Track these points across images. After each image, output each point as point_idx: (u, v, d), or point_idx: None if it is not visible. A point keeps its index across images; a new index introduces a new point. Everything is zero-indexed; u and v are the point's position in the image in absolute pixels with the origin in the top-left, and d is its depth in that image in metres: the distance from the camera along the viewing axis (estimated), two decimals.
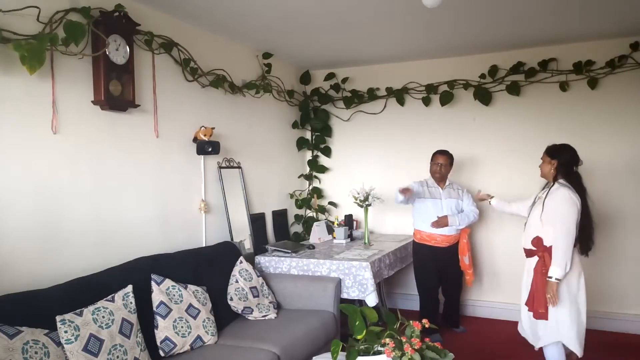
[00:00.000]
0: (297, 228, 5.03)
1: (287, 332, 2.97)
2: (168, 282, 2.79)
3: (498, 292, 4.62)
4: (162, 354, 2.61)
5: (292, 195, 4.99)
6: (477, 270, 4.64)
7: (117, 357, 2.23)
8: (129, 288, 2.51)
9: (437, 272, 4.09)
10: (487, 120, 4.62)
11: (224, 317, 3.09)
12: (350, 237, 4.62)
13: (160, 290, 2.72)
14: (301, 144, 5.17)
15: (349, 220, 4.76)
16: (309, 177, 5.26)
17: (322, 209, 5.13)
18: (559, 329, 2.98)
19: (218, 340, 2.85)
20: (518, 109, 4.50)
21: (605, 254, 4.19)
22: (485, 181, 4.58)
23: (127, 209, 3.04)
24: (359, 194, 4.27)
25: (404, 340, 1.99)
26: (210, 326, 2.83)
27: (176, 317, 2.69)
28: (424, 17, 3.52)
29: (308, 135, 5.29)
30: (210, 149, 3.54)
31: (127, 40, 2.91)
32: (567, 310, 2.96)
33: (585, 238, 3.00)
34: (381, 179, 4.84)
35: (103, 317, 2.27)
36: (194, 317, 2.77)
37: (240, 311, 3.19)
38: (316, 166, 5.21)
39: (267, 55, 4.40)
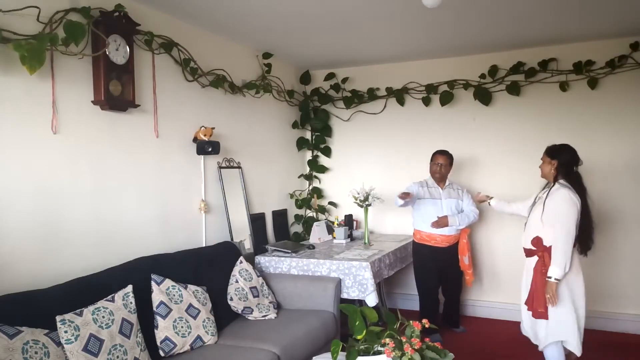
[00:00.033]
0: (297, 228, 5.03)
1: (287, 332, 2.97)
2: (168, 282, 2.79)
3: (498, 292, 4.62)
4: (162, 354, 2.61)
5: (292, 195, 4.99)
6: (477, 270, 4.65)
7: (117, 357, 2.23)
8: (129, 288, 2.51)
9: (437, 272, 4.09)
10: (487, 120, 4.62)
11: (224, 317, 3.09)
12: (350, 237, 4.62)
13: (160, 290, 2.73)
14: (301, 144, 5.17)
15: (349, 220, 4.76)
16: (309, 177, 5.26)
17: (322, 209, 5.13)
18: (560, 329, 2.98)
19: (218, 340, 2.85)
20: (518, 109, 4.50)
21: (605, 254, 4.19)
22: (485, 181, 4.59)
23: (127, 209, 3.04)
24: (359, 194, 4.27)
25: (404, 340, 1.99)
26: (210, 326, 2.83)
27: (176, 317, 2.70)
28: (424, 17, 3.53)
29: (308, 135, 5.29)
30: (210, 149, 3.54)
31: (127, 40, 2.91)
32: (568, 310, 2.96)
33: (585, 238, 3.00)
34: (381, 179, 4.85)
35: (103, 317, 2.27)
36: (194, 317, 2.77)
37: (240, 311, 3.19)
38: (316, 166, 5.21)
39: (267, 55, 4.40)
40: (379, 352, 2.05)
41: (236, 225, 3.96)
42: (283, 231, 4.74)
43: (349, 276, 3.59)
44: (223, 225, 3.88)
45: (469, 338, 4.15)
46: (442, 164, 4.08)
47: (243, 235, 4.04)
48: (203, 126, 3.61)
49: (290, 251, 3.92)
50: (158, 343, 2.61)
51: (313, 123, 5.14)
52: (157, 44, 3.27)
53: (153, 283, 2.73)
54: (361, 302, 3.63)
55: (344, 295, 3.59)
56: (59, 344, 2.08)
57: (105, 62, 2.77)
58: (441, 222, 3.98)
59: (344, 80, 5.06)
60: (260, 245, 4.17)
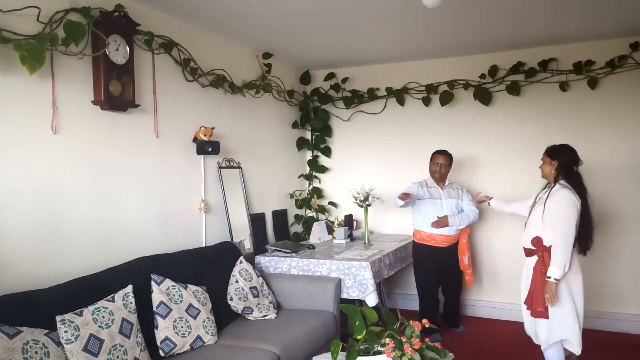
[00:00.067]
0: (297, 228, 5.03)
1: (287, 332, 2.97)
2: (168, 282, 2.79)
3: (498, 292, 4.62)
4: (162, 354, 2.61)
5: (292, 195, 4.99)
6: (477, 270, 4.65)
7: (117, 357, 2.23)
8: (129, 288, 2.51)
9: (437, 272, 4.09)
10: (487, 120, 4.62)
11: (224, 317, 3.09)
12: (350, 237, 4.62)
13: (160, 290, 2.73)
14: (301, 144, 5.17)
15: (349, 220, 4.76)
16: (309, 177, 5.26)
17: (322, 209, 5.13)
18: (561, 328, 2.99)
19: (218, 340, 2.85)
20: (518, 109, 4.50)
21: (605, 254, 4.19)
22: (485, 181, 4.59)
23: (127, 209, 3.04)
24: (359, 194, 4.27)
25: (404, 340, 1.99)
26: (210, 326, 2.83)
27: (176, 317, 2.70)
28: (424, 17, 3.53)
29: (308, 135, 5.29)
30: (210, 149, 3.54)
31: (127, 40, 2.91)
32: (568, 309, 2.97)
33: (584, 237, 3.01)
34: (381, 179, 4.85)
35: (103, 317, 2.27)
36: (194, 317, 2.77)
37: (240, 311, 3.19)
38: (316, 166, 5.21)
39: (267, 55, 4.40)
40: (379, 352, 2.05)
41: (236, 225, 3.96)
42: (283, 231, 4.74)
43: (349, 276, 3.59)
44: (223, 225, 3.88)
45: (469, 338, 4.15)
46: (442, 164, 4.08)
47: (243, 235, 4.04)
48: (203, 126, 3.61)
49: (290, 251, 3.92)
50: (158, 343, 2.61)
51: (313, 123, 5.14)
52: (157, 44, 3.27)
53: (153, 283, 2.73)
54: (361, 302, 3.63)
55: (344, 295, 3.59)
56: (59, 344, 2.08)
57: (105, 62, 2.77)
58: (441, 222, 3.98)
59: (344, 80, 5.06)
60: (260, 245, 4.17)
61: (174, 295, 2.77)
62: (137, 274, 2.71)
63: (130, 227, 3.06)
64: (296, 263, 3.77)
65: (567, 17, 3.58)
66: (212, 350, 2.71)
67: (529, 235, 3.10)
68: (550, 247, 2.96)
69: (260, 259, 3.90)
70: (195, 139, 3.59)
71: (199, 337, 2.74)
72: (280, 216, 4.74)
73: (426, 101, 4.75)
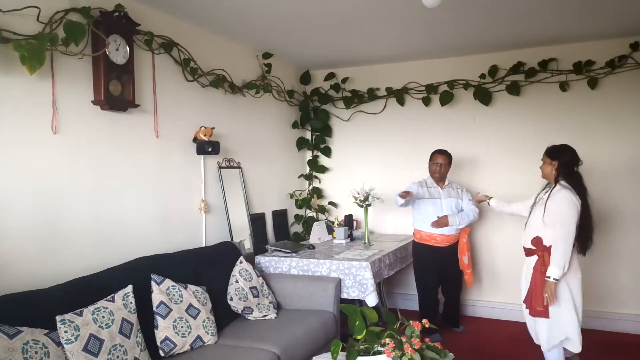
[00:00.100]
0: (297, 228, 5.03)
1: (287, 332, 2.97)
2: (168, 282, 2.79)
3: (498, 292, 4.62)
4: (162, 354, 2.61)
5: (292, 195, 4.99)
6: (477, 270, 4.65)
7: (117, 357, 2.23)
8: (129, 288, 2.51)
9: (437, 272, 4.09)
10: (487, 120, 4.62)
11: (224, 317, 3.09)
12: (350, 237, 4.62)
13: (160, 290, 2.73)
14: (301, 144, 5.17)
15: (349, 220, 4.76)
16: (309, 177, 5.26)
17: (322, 209, 5.13)
18: (561, 327, 2.99)
19: (218, 340, 2.85)
20: (518, 109, 4.50)
21: (604, 254, 4.19)
22: (485, 181, 4.59)
23: (127, 209, 3.04)
24: (359, 194, 4.27)
25: (404, 340, 1.99)
26: (210, 326, 2.83)
27: (176, 317, 2.70)
28: (424, 17, 3.53)
29: (308, 135, 5.29)
30: (210, 149, 3.54)
31: (127, 40, 2.91)
32: (568, 309, 2.97)
33: (584, 237, 3.01)
34: (381, 179, 4.85)
35: (103, 317, 2.27)
36: (194, 317, 2.77)
37: (240, 311, 3.19)
38: (316, 166, 5.21)
39: (267, 55, 4.40)
40: (379, 352, 2.05)
41: (236, 225, 3.96)
42: (283, 231, 4.74)
43: (349, 276, 3.59)
44: (223, 225, 3.88)
45: (469, 338, 4.15)
46: (442, 164, 4.08)
47: (243, 235, 4.04)
48: (203, 126, 3.61)
49: (290, 251, 3.92)
50: (158, 343, 2.61)
51: (313, 123, 5.14)
52: (157, 44, 3.27)
53: (153, 283, 2.73)
54: (361, 302, 3.63)
55: (344, 295, 3.59)
56: (59, 344, 2.08)
57: (105, 62, 2.77)
58: (441, 221, 3.98)
59: (344, 80, 5.06)
60: (260, 245, 4.17)
61: (174, 295, 2.77)
62: (137, 274, 2.71)
63: (130, 227, 3.06)
64: (296, 263, 3.77)
65: (567, 17, 3.58)
66: (212, 350, 2.71)
67: (529, 235, 3.11)
68: (550, 247, 2.96)
69: (260, 259, 3.90)
70: (195, 139, 3.59)
71: (199, 337, 2.74)
72: (280, 216, 4.74)
73: (426, 101, 4.75)
